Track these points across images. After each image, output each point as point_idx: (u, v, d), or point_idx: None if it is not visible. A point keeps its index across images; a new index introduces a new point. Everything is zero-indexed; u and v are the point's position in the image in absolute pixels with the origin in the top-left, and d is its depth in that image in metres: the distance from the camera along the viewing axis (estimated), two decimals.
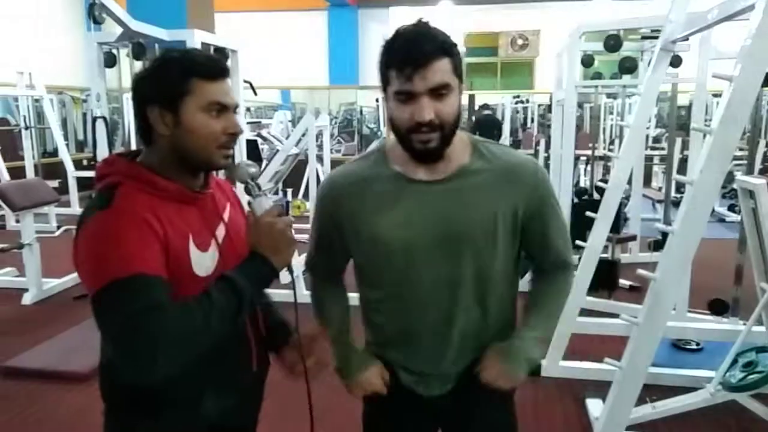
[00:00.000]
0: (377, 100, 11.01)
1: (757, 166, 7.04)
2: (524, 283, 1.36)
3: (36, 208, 4.82)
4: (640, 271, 2.27)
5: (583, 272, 3.22)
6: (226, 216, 1.25)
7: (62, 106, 9.81)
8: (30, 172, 7.54)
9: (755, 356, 2.56)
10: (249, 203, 1.19)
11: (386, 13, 13.20)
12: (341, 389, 1.39)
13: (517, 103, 11.50)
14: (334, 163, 7.43)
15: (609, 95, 8.43)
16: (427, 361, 1.30)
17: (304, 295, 1.29)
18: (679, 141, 6.81)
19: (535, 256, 1.35)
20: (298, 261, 2.82)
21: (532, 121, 11.55)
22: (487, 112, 9.59)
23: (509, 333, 1.33)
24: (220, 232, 1.21)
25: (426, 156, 1.18)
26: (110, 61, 4.11)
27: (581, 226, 3.42)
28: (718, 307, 3.73)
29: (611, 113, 9.24)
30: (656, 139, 9.90)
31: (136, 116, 1.15)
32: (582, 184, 6.29)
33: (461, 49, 1.18)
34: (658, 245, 4.89)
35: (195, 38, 3.70)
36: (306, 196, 6.07)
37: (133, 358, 0.99)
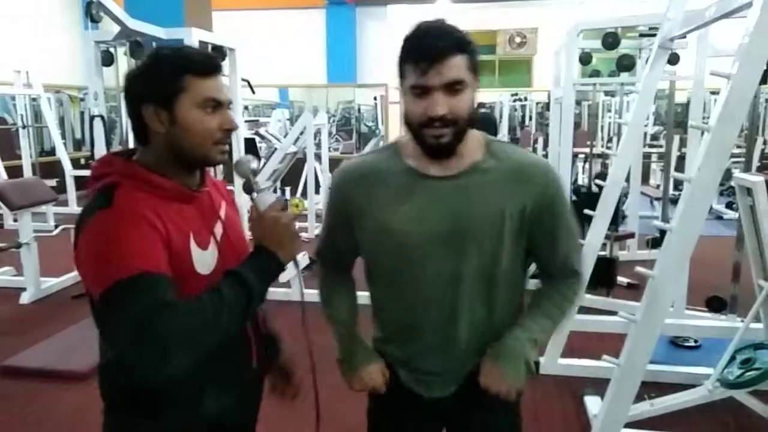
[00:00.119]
0: (375, 98, 11.00)
1: (755, 163, 7.07)
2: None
3: (34, 207, 4.81)
4: (639, 269, 2.27)
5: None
6: (222, 214, 1.25)
7: (60, 104, 9.79)
8: (27, 171, 7.53)
9: (753, 353, 2.56)
10: (252, 198, 1.18)
11: (384, 11, 13.19)
12: (343, 387, 1.39)
13: (515, 101, 11.49)
14: (332, 162, 7.46)
15: (607, 93, 8.45)
16: (432, 358, 1.30)
17: (305, 293, 1.29)
18: (677, 138, 6.84)
19: (542, 259, 1.33)
20: (302, 259, 2.81)
21: (530, 119, 11.54)
22: (483, 110, 9.61)
23: None
24: (218, 230, 1.22)
25: (438, 151, 1.18)
26: (108, 59, 4.12)
27: (579, 224, 3.42)
28: (716, 305, 3.74)
29: (609, 111, 9.26)
30: (654, 137, 9.90)
31: (130, 115, 1.14)
32: (580, 182, 6.30)
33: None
34: (656, 242, 4.91)
35: (193, 36, 3.69)
36: (304, 194, 6.06)
37: (144, 357, 0.97)
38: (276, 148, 6.45)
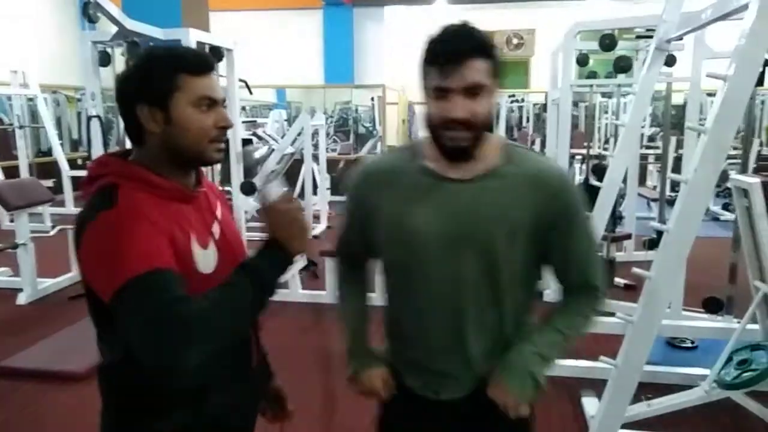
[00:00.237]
0: (372, 99, 11.00)
1: (751, 164, 7.08)
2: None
3: (30, 207, 4.80)
4: (635, 270, 2.28)
5: None
6: (218, 213, 1.25)
7: (56, 105, 9.75)
8: (24, 172, 7.50)
9: (750, 354, 2.57)
10: (259, 191, 1.19)
11: (381, 13, 13.17)
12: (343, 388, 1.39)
13: (512, 102, 11.51)
14: (330, 162, 7.42)
15: (604, 94, 8.45)
16: (441, 359, 1.29)
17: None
18: (673, 140, 6.83)
19: (558, 270, 1.30)
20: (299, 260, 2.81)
21: (528, 120, 11.56)
22: None
23: None
24: (216, 229, 1.22)
25: (456, 154, 1.18)
26: (105, 60, 4.11)
27: None
28: (712, 306, 3.75)
29: (606, 112, 9.26)
30: (651, 138, 9.93)
31: (123, 116, 1.14)
32: (578, 183, 6.32)
33: None
34: (653, 244, 4.90)
35: (190, 37, 3.68)
36: (302, 195, 6.05)
37: (164, 353, 0.96)
38: (273, 149, 6.44)
